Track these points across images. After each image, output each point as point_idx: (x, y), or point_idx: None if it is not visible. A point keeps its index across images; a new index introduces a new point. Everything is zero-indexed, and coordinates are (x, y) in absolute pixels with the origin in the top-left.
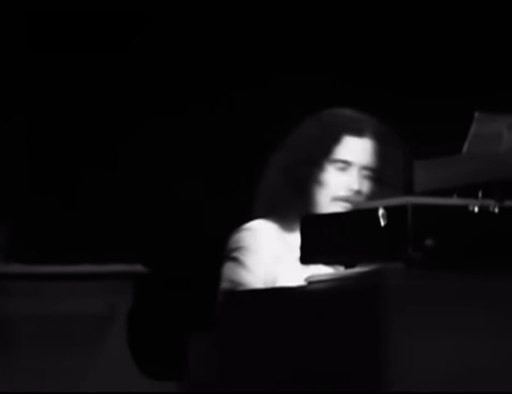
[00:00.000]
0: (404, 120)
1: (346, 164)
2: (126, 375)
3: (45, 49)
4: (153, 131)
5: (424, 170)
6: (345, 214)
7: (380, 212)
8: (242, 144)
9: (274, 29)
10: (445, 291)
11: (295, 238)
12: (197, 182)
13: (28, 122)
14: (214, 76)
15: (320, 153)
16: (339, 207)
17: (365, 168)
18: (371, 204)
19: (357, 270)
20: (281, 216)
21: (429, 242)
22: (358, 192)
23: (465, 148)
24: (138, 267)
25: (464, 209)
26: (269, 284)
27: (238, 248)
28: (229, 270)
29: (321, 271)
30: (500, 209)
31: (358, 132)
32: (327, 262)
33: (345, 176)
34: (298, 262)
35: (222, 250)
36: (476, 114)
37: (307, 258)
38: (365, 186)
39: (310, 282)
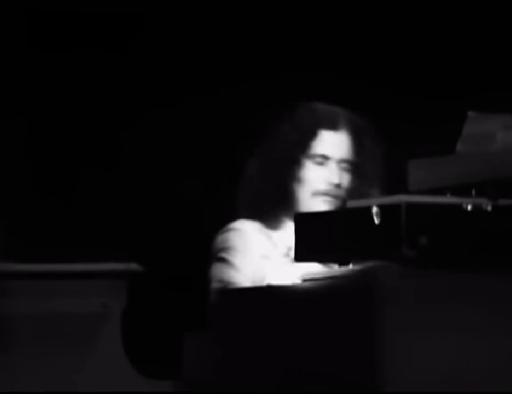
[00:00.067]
0: (401, 120)
1: (324, 158)
2: (121, 374)
3: (45, 49)
4: (154, 131)
5: (418, 169)
6: (340, 212)
7: (374, 210)
8: (242, 144)
9: (274, 29)
10: (439, 289)
11: (279, 236)
12: (197, 182)
13: (28, 122)
14: (214, 76)
15: (297, 150)
16: (320, 202)
17: (343, 161)
18: (365, 202)
19: (351, 268)
20: (264, 216)
21: (423, 240)
22: (338, 186)
23: (458, 148)
24: (133, 266)
25: (458, 207)
26: (257, 283)
27: (225, 248)
28: (217, 270)
29: (310, 268)
30: (493, 207)
31: (333, 125)
32: (321, 261)
33: (324, 170)
34: (284, 259)
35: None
36: (469, 114)
37: (300, 255)
38: (345, 179)
39: (304, 280)
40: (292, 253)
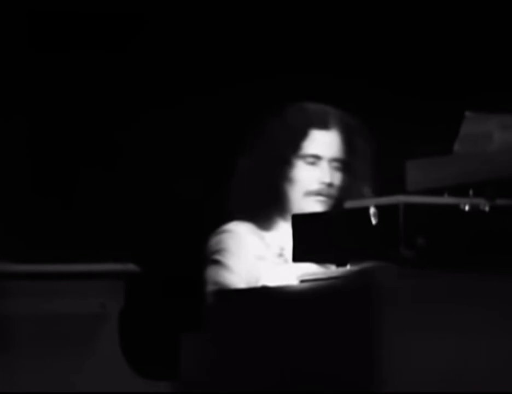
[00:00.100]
0: (399, 120)
1: (315, 158)
2: (118, 374)
3: (45, 49)
4: (154, 131)
5: (416, 170)
6: (338, 212)
7: (372, 210)
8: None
9: (274, 28)
10: (437, 290)
11: (271, 236)
12: (197, 182)
13: (28, 122)
14: (214, 77)
15: (289, 150)
16: (312, 202)
17: (334, 160)
18: (363, 203)
19: (349, 268)
20: (256, 216)
21: (421, 240)
22: (330, 185)
23: (455, 148)
24: (131, 267)
25: (456, 208)
26: (252, 284)
27: (218, 251)
28: (212, 272)
29: (305, 268)
30: (491, 208)
31: (324, 125)
32: (319, 261)
33: (316, 170)
34: (278, 260)
35: None
36: (466, 114)
37: (299, 256)
38: (336, 178)
39: (301, 281)
40: (285, 253)
